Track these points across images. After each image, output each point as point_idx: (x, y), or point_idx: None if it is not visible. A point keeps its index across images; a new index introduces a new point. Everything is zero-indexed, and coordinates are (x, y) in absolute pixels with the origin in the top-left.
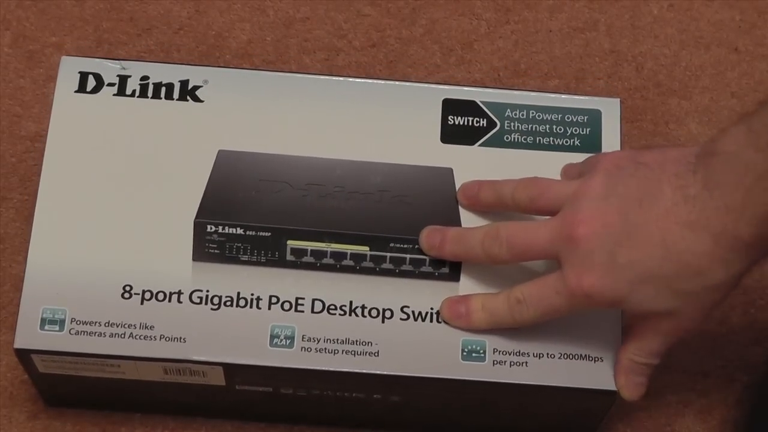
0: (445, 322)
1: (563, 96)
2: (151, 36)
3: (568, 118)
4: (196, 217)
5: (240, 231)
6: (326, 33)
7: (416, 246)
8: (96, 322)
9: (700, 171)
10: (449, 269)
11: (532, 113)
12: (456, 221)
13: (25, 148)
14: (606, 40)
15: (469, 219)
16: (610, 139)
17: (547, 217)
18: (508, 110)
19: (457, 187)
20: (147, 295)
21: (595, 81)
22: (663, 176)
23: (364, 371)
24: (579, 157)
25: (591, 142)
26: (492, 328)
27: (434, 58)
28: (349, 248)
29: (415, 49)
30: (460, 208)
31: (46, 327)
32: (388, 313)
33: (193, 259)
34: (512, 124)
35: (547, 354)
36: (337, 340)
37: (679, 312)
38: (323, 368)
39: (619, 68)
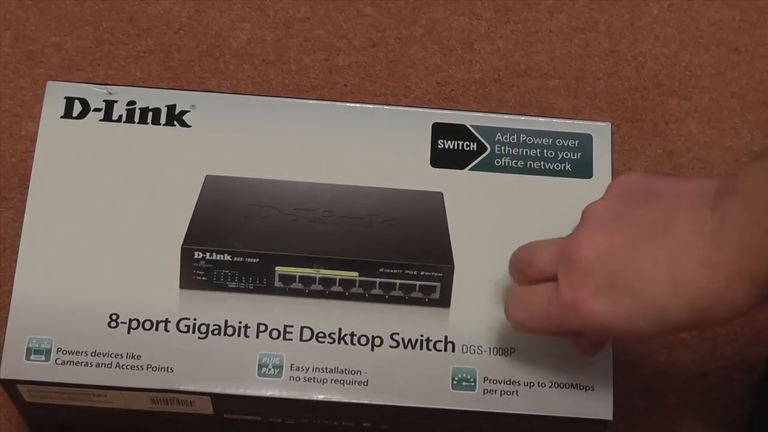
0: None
1: (554, 120)
2: (151, 36)
3: (559, 142)
4: (183, 244)
5: (228, 257)
6: (326, 33)
7: (406, 271)
8: (82, 352)
9: (718, 209)
10: (440, 295)
11: (523, 137)
12: (446, 246)
13: (25, 148)
14: (606, 40)
15: (458, 241)
16: (601, 164)
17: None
18: (499, 134)
19: (447, 211)
20: (134, 324)
21: (595, 81)
22: (677, 209)
23: (353, 401)
24: (570, 182)
25: (582, 167)
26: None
27: (434, 58)
28: (338, 274)
29: (415, 49)
30: (450, 231)
31: (32, 357)
32: (377, 341)
33: (180, 287)
34: (503, 148)
35: (538, 383)
36: (326, 369)
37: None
38: (312, 398)
39: (619, 68)
